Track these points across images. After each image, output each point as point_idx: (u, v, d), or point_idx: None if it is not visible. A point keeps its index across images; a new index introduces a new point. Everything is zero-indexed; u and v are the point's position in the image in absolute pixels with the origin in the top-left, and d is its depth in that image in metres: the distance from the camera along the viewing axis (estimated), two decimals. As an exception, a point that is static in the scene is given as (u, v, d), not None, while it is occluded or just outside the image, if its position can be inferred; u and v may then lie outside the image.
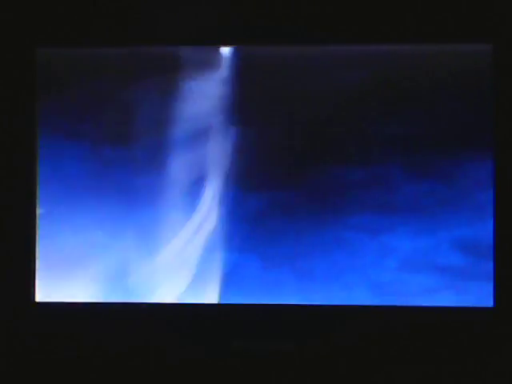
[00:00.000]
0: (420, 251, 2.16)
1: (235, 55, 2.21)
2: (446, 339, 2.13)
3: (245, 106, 2.20)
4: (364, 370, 2.14)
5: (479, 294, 2.14)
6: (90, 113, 2.21)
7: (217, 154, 2.21)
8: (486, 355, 2.12)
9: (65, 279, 2.21)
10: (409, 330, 2.14)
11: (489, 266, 2.13)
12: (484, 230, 2.14)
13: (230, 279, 2.19)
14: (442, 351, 2.13)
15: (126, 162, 2.21)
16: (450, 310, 2.14)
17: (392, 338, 2.14)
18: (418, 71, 2.16)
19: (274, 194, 2.19)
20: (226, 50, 2.21)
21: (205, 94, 2.21)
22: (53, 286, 2.21)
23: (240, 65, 2.20)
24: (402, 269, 2.16)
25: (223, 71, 2.20)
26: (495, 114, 2.13)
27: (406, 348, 2.14)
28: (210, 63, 2.20)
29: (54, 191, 2.22)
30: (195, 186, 2.21)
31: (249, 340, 2.16)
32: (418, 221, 2.16)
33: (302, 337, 2.15)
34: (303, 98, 2.18)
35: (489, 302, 2.13)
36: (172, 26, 2.19)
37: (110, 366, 2.18)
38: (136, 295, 2.20)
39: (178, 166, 2.21)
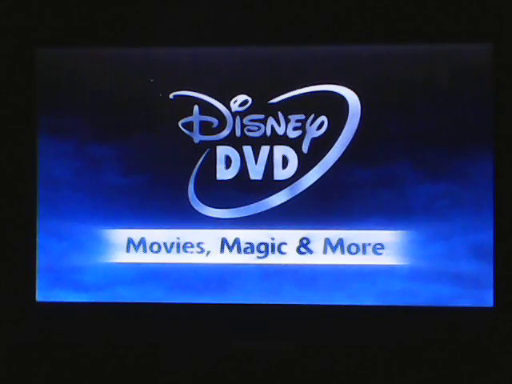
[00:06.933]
0: (429, 256, 2.15)
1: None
2: (446, 338, 2.14)
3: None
4: (364, 370, 2.15)
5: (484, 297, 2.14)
6: (89, 112, 2.22)
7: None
8: (485, 354, 2.13)
9: (65, 279, 2.22)
10: (409, 330, 2.14)
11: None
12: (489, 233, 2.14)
13: (230, 280, 2.19)
14: (443, 350, 2.14)
15: (123, 160, 2.22)
16: (451, 310, 2.14)
17: (392, 338, 2.14)
18: (420, 71, 2.16)
19: (275, 195, 2.20)
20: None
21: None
22: (53, 286, 2.23)
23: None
24: (411, 275, 2.16)
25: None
26: (496, 112, 2.13)
27: (406, 347, 2.14)
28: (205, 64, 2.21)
29: (54, 190, 2.23)
30: (189, 185, 2.22)
31: (249, 340, 2.16)
32: (427, 224, 2.14)
33: (302, 337, 2.16)
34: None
35: (489, 303, 2.14)
36: (171, 26, 2.20)
37: (109, 365, 2.19)
38: (135, 295, 2.21)
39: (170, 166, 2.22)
